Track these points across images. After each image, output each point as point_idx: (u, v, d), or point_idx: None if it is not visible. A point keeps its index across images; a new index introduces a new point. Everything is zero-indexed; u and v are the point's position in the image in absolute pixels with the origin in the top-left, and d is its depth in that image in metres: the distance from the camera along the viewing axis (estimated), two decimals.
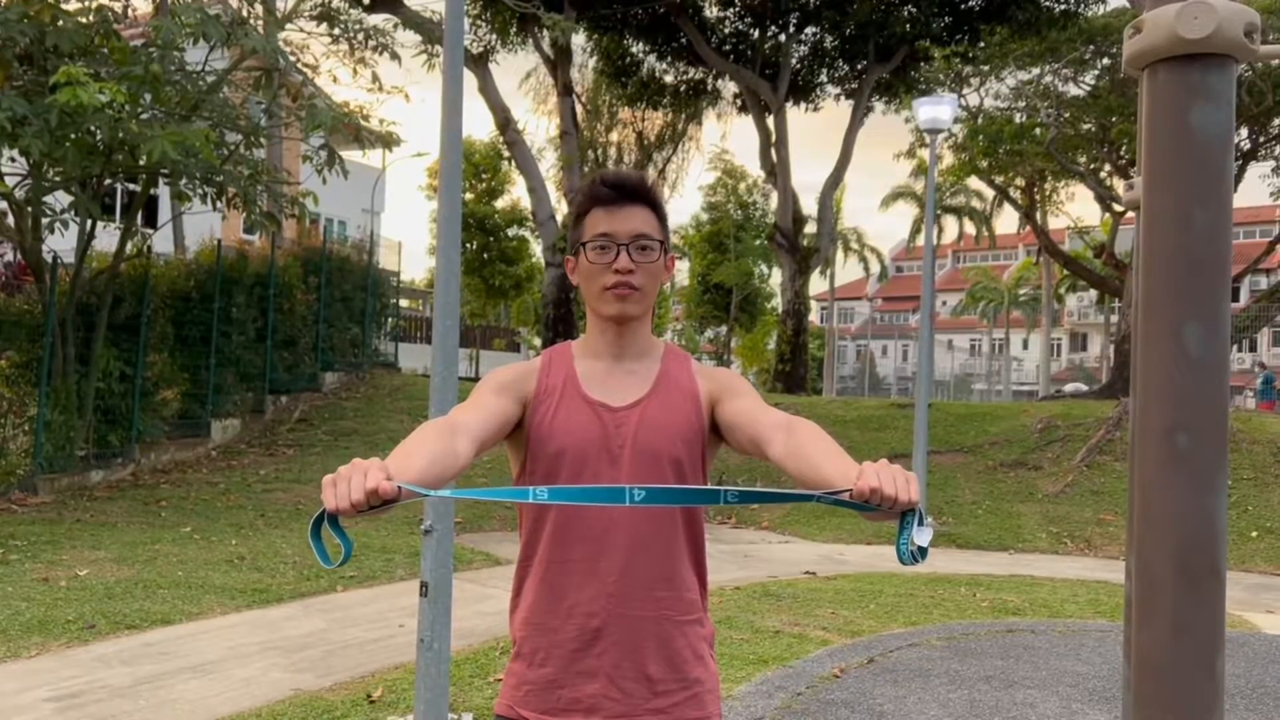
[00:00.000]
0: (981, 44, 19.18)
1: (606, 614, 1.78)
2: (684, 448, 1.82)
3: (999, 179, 23.52)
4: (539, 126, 79.08)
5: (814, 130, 72.66)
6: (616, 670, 1.77)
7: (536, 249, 30.30)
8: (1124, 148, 19.21)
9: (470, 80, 20.28)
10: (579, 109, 25.42)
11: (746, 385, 1.91)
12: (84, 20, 9.86)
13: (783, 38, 22.54)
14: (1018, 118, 19.17)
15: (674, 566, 1.82)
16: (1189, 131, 1.37)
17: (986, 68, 18.87)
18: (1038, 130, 18.90)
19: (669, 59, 23.93)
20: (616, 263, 1.82)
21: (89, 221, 11.04)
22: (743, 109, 24.70)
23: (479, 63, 20.74)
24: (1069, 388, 36.04)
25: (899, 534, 1.43)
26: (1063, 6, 19.99)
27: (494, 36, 21.73)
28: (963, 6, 20.72)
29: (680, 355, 1.93)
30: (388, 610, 6.87)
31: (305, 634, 6.19)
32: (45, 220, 10.75)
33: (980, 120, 19.22)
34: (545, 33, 20.53)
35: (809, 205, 24.65)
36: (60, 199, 10.85)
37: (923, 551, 1.42)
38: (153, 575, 7.38)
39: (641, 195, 1.86)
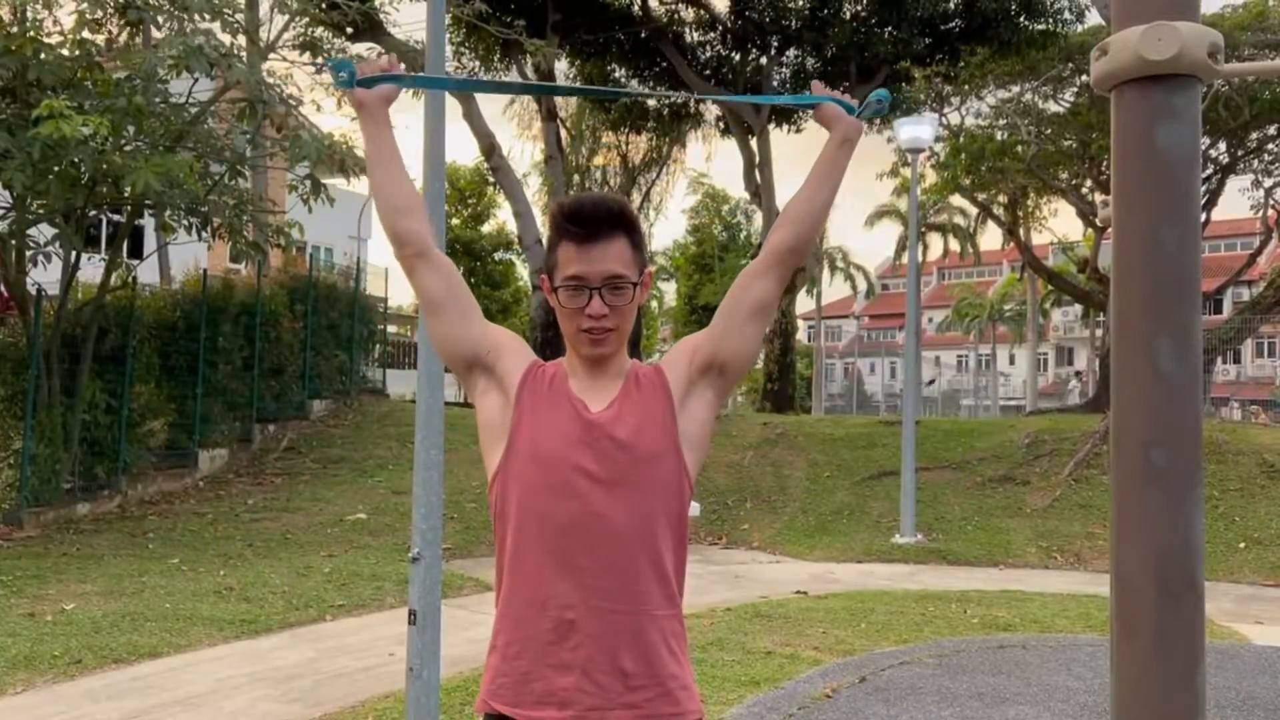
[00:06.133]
0: (962, 64, 19.35)
1: (582, 607, 1.78)
2: (661, 433, 1.87)
3: (982, 196, 23.71)
4: (524, 151, 79.36)
5: (797, 151, 73.05)
6: (590, 664, 1.77)
7: (523, 273, 30.34)
8: (1105, 163, 19.40)
9: (454, 106, 20.35)
10: (563, 133, 25.51)
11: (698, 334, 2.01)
12: (66, 53, 9.87)
13: (764, 60, 22.69)
14: (999, 135, 19.35)
15: (653, 562, 1.83)
16: (1156, 151, 1.40)
17: (967, 87, 19.06)
18: (1019, 147, 19.08)
19: (651, 83, 24.07)
20: (589, 307, 1.84)
21: (73, 253, 11.02)
22: (726, 131, 24.82)
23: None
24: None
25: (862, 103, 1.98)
26: (1041, 26, 20.20)
27: (477, 63, 21.82)
28: (943, 28, 20.89)
29: (643, 364, 2.02)
30: (377, 639, 6.83)
31: (294, 664, 6.15)
32: (29, 253, 10.73)
33: (962, 138, 19.39)
34: (528, 59, 20.62)
35: None
36: (44, 231, 10.83)
37: (880, 100, 1.96)
38: (140, 608, 7.32)
39: (611, 225, 1.87)
